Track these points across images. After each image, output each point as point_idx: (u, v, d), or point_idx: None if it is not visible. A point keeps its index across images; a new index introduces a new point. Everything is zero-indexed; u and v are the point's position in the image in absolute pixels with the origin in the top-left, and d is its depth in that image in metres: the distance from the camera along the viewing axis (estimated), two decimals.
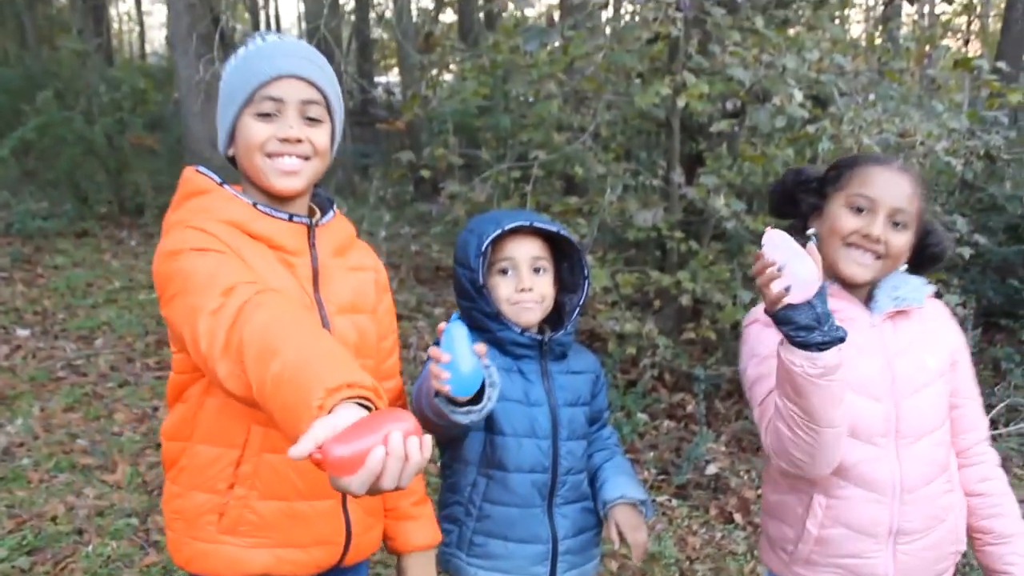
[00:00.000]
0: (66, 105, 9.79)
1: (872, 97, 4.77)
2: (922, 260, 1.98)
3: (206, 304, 1.43)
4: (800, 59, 4.61)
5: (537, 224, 2.07)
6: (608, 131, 5.73)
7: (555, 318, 2.17)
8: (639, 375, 5.25)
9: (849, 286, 1.92)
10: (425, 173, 5.93)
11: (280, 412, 1.26)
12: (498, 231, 2.02)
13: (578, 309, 2.16)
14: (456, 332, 1.64)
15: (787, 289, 1.62)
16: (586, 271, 2.15)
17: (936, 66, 5.77)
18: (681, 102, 4.58)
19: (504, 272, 2.07)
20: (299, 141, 1.72)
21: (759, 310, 1.97)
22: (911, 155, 4.37)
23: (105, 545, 3.71)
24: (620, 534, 2.07)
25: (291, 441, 1.16)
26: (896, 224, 1.86)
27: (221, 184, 1.76)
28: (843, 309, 1.85)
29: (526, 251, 2.07)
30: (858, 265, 1.87)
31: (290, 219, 1.76)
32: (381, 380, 1.93)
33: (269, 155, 1.72)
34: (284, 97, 1.71)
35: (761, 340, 1.91)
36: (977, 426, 2.03)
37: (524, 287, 2.05)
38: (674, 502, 4.29)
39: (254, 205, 1.74)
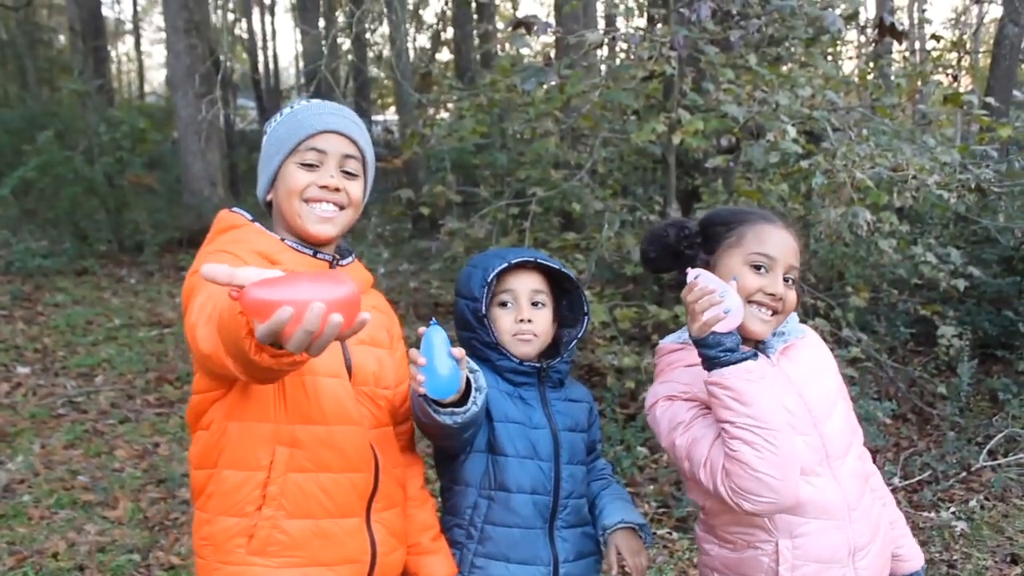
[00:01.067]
0: (66, 145, 9.88)
1: (864, 132, 4.85)
2: None
3: (208, 289, 1.52)
4: (793, 96, 4.69)
5: (540, 260, 2.14)
6: (605, 168, 5.81)
7: (552, 352, 2.22)
8: (638, 409, 5.27)
9: (743, 339, 1.96)
10: (424, 210, 5.99)
11: (228, 311, 1.29)
12: (504, 264, 2.09)
13: (576, 340, 2.21)
14: (434, 336, 1.70)
15: (726, 313, 1.75)
16: (586, 307, 2.21)
17: (927, 102, 5.85)
18: (676, 139, 4.64)
19: (504, 304, 2.13)
20: (337, 190, 1.86)
21: (656, 392, 2.01)
22: (904, 189, 4.43)
23: None
24: (620, 560, 2.10)
25: (234, 340, 1.25)
26: (786, 280, 1.93)
27: (252, 221, 1.89)
28: None
29: (526, 284, 2.13)
30: (761, 322, 1.93)
31: (314, 255, 1.89)
32: (398, 423, 2.02)
33: (307, 200, 1.85)
34: (327, 149, 1.86)
35: (677, 412, 1.94)
36: (859, 429, 2.12)
37: (523, 318, 2.11)
38: (675, 535, 4.29)
39: (282, 240, 1.87)
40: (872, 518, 1.97)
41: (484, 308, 2.08)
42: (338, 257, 1.97)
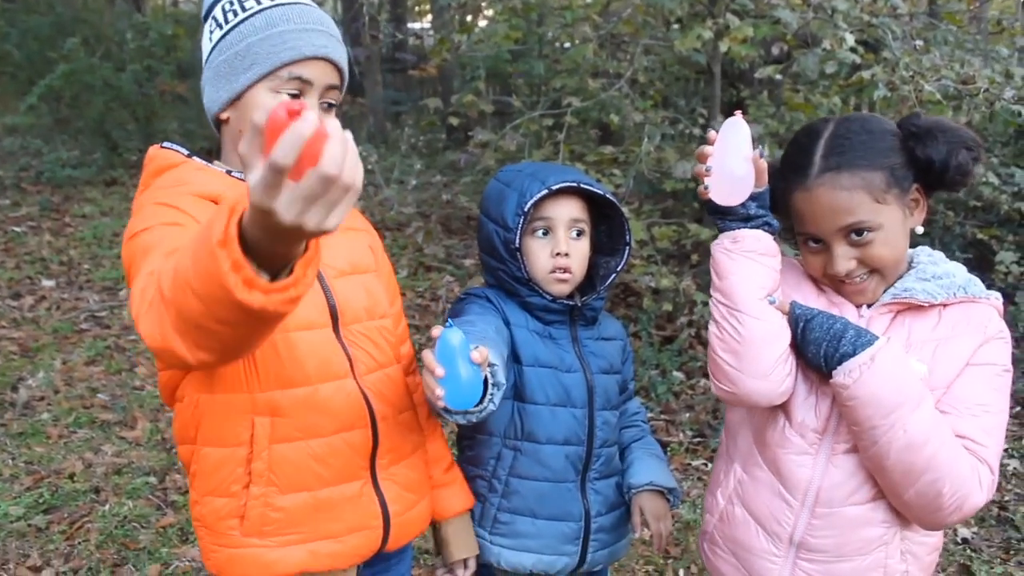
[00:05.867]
0: (94, 52, 9.66)
1: (921, 43, 4.47)
2: (934, 180, 1.57)
3: (148, 266, 1.29)
4: (852, 0, 4.32)
5: (583, 184, 1.87)
6: (646, 77, 5.48)
7: (585, 285, 1.99)
8: (675, 332, 5.07)
9: None
10: (454, 120, 5.73)
11: (203, 245, 1.03)
12: (543, 191, 1.82)
13: (615, 275, 1.98)
14: (452, 340, 1.47)
15: (707, 169, 1.55)
16: (627, 237, 1.96)
17: (989, 9, 5.42)
18: (724, 46, 4.33)
19: (540, 233, 1.88)
20: None
21: None
22: (975, 103, 4.08)
23: (122, 504, 3.62)
24: (643, 521, 1.94)
25: (208, 279, 0.99)
26: (861, 233, 1.53)
27: (189, 156, 1.64)
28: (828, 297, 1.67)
29: (566, 211, 1.88)
30: (858, 295, 1.61)
31: None
32: (396, 346, 1.79)
33: None
34: (312, 79, 1.58)
35: None
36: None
37: (561, 251, 1.87)
38: (710, 466, 4.12)
39: (228, 173, 1.63)
40: (855, 539, 1.60)
41: (518, 240, 1.84)
42: None
